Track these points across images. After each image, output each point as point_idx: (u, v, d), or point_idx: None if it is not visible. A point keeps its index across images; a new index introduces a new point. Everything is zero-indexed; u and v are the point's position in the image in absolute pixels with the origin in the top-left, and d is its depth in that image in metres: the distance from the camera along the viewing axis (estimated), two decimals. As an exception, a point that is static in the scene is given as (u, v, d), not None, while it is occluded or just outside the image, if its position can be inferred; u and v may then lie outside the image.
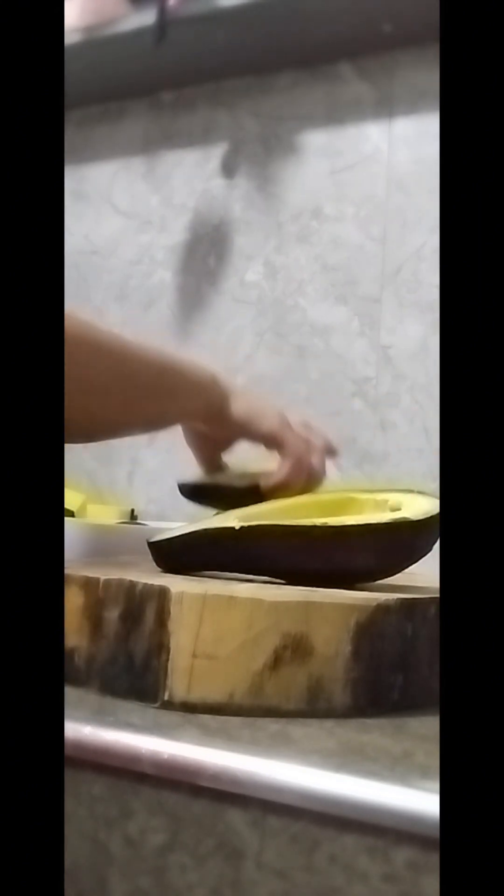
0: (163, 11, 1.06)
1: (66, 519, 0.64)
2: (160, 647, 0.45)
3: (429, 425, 1.03)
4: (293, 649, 0.45)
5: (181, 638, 0.45)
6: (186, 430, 0.72)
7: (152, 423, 0.67)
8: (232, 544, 0.54)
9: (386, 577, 0.55)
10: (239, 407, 0.67)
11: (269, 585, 0.51)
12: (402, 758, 0.40)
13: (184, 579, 0.50)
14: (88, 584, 0.48)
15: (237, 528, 0.54)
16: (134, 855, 0.40)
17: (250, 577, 0.54)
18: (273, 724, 0.43)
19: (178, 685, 0.45)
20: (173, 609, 0.45)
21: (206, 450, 0.72)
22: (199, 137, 1.22)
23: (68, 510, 0.95)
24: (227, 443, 0.72)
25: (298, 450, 0.67)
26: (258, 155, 1.18)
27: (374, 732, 0.43)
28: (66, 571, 0.49)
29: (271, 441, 0.68)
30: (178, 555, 0.57)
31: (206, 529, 0.55)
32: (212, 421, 0.68)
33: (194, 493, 0.71)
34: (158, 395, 0.63)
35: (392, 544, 0.53)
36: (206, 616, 0.45)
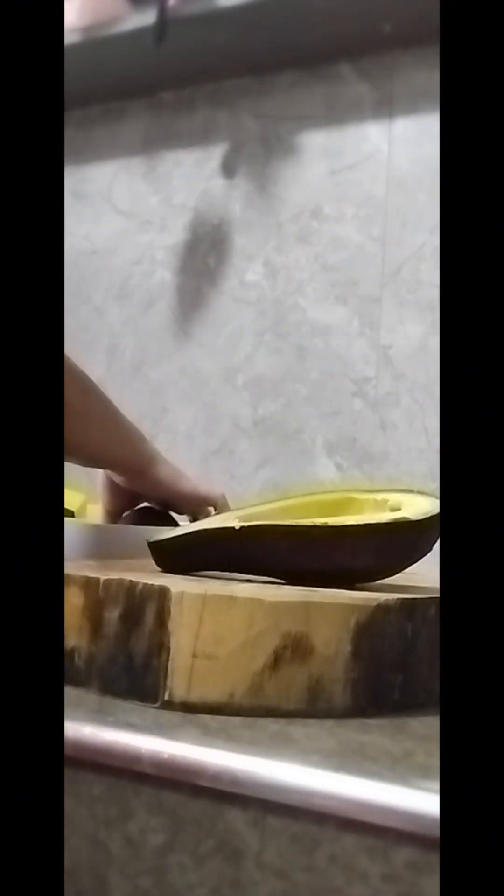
0: (163, 11, 1.06)
1: (66, 519, 0.64)
2: (160, 647, 0.45)
3: (429, 425, 1.03)
4: (293, 649, 0.45)
5: (181, 638, 0.45)
6: (103, 478, 0.78)
7: (90, 455, 0.72)
8: (232, 544, 0.54)
9: (386, 577, 0.55)
10: (162, 470, 0.74)
11: (269, 585, 0.51)
12: (402, 758, 0.40)
13: (184, 579, 0.50)
14: (88, 584, 0.48)
15: (237, 528, 0.54)
16: (134, 855, 0.40)
17: (250, 577, 0.54)
18: (273, 724, 0.43)
19: (178, 685, 0.45)
20: (173, 609, 0.45)
21: (116, 503, 0.79)
22: (199, 137, 1.22)
23: (68, 510, 0.95)
24: (136, 499, 0.79)
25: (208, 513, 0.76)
26: (258, 155, 1.18)
27: (374, 732, 0.43)
28: (66, 571, 0.49)
29: (186, 502, 0.77)
30: (178, 555, 0.57)
31: (206, 529, 0.55)
32: (131, 476, 0.75)
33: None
34: (105, 431, 0.70)
35: (392, 544, 0.53)
36: (206, 616, 0.45)
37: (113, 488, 0.79)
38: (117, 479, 0.77)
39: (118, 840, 0.40)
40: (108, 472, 0.77)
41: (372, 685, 0.46)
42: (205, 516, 0.77)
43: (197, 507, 0.78)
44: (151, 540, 0.58)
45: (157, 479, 0.75)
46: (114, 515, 0.80)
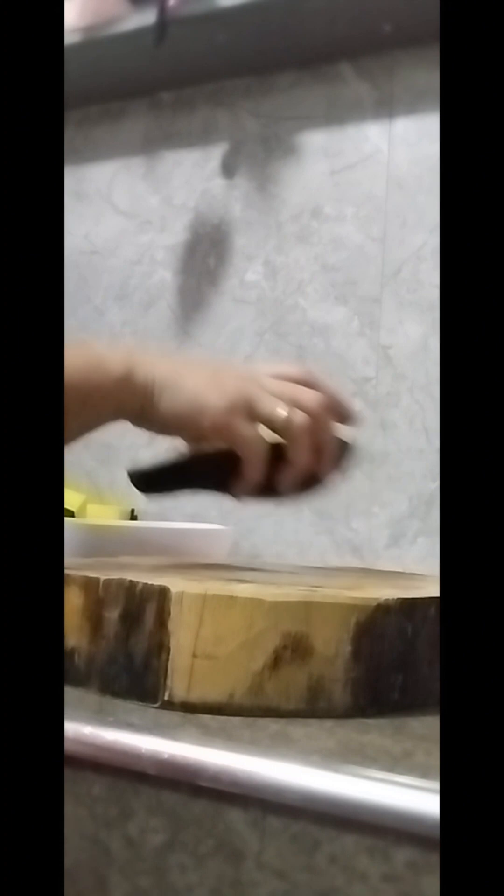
0: (163, 11, 1.06)
1: (66, 519, 0.64)
2: (160, 647, 0.45)
3: (429, 425, 1.03)
4: (293, 649, 0.45)
5: (181, 638, 0.45)
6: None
7: (70, 434, 0.54)
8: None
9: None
10: (168, 405, 0.54)
11: (269, 585, 0.51)
12: (402, 758, 0.40)
13: (184, 579, 0.50)
14: (88, 584, 0.48)
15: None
16: (134, 855, 0.40)
17: (246, 578, 0.54)
18: (273, 724, 0.43)
19: (178, 685, 0.45)
20: (173, 609, 0.45)
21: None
22: (199, 137, 1.22)
23: (68, 510, 0.95)
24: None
25: (254, 447, 0.54)
26: (258, 155, 1.17)
27: (374, 732, 0.43)
28: (66, 571, 0.49)
29: (219, 437, 0.54)
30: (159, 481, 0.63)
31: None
32: (137, 423, 0.56)
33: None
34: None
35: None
36: (206, 616, 0.45)
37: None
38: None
39: (118, 840, 0.40)
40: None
41: (372, 685, 0.46)
42: (252, 455, 0.55)
43: (236, 443, 0.54)
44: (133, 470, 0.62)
45: (164, 423, 0.55)
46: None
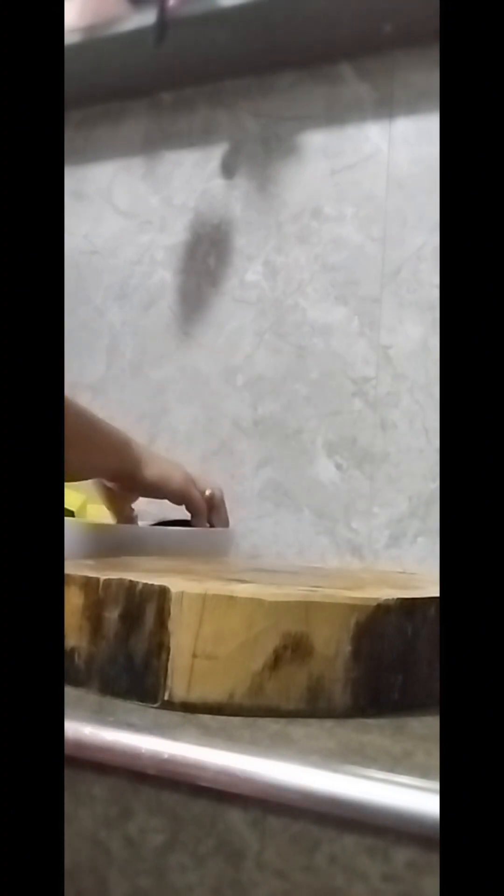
0: (163, 11, 1.06)
1: (66, 519, 0.64)
2: (160, 647, 0.45)
3: (429, 425, 1.03)
4: (293, 649, 0.45)
5: (181, 638, 0.45)
6: (98, 485, 0.82)
7: (72, 473, 0.74)
8: None
9: None
10: (150, 472, 0.78)
11: (269, 585, 0.51)
12: (402, 758, 0.40)
13: (184, 579, 0.50)
14: (88, 584, 0.48)
15: None
16: (134, 855, 0.40)
17: (246, 578, 0.54)
18: (273, 724, 0.43)
19: (178, 685, 0.45)
20: (173, 609, 0.45)
21: (118, 503, 0.83)
22: (199, 137, 1.22)
23: (68, 510, 0.95)
24: (134, 498, 0.84)
25: (202, 506, 0.82)
26: (258, 155, 1.17)
27: (374, 732, 0.43)
28: (66, 571, 0.49)
29: (180, 499, 0.81)
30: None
31: None
32: (122, 481, 0.79)
33: None
34: (75, 448, 0.69)
35: None
36: (206, 616, 0.45)
37: (107, 493, 0.81)
38: (109, 485, 0.80)
39: (118, 840, 0.40)
40: (98, 483, 0.81)
41: (372, 685, 0.46)
42: (200, 511, 0.82)
43: (189, 503, 0.81)
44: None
45: (145, 483, 0.78)
46: (121, 513, 0.83)
